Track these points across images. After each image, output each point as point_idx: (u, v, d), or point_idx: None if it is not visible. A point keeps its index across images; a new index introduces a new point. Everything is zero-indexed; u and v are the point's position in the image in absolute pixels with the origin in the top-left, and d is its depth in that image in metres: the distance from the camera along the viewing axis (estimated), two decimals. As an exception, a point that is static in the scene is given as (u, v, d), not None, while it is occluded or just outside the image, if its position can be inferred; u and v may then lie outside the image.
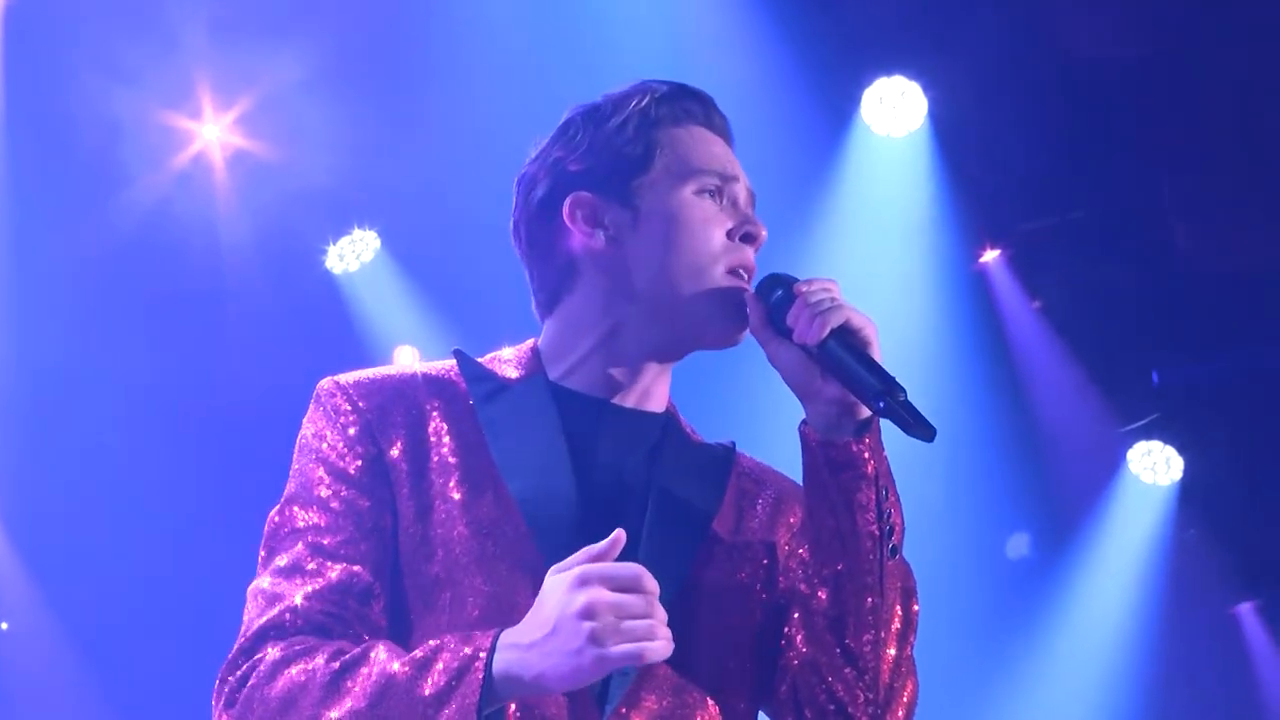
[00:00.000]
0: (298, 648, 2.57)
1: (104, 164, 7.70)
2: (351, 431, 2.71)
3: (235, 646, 2.64)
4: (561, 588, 2.39)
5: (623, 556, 2.43)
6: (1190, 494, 9.28)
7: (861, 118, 8.35)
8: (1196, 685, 9.55)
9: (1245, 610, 9.73)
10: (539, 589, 2.47)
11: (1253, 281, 8.43)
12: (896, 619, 2.77)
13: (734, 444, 2.97)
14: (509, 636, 2.43)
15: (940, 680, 9.55)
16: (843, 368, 2.66)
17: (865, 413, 2.68)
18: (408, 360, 8.20)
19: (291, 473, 2.76)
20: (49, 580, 8.58)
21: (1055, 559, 9.58)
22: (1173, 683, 9.45)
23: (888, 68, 8.25)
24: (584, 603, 2.35)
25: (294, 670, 2.54)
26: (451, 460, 2.70)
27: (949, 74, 8.19)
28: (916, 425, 2.61)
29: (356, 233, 8.41)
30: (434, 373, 2.82)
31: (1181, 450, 9.23)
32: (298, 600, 2.62)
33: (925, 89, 8.26)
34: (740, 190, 2.85)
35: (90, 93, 7.48)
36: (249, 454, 7.56)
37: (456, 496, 2.68)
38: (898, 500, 2.74)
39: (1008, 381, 9.08)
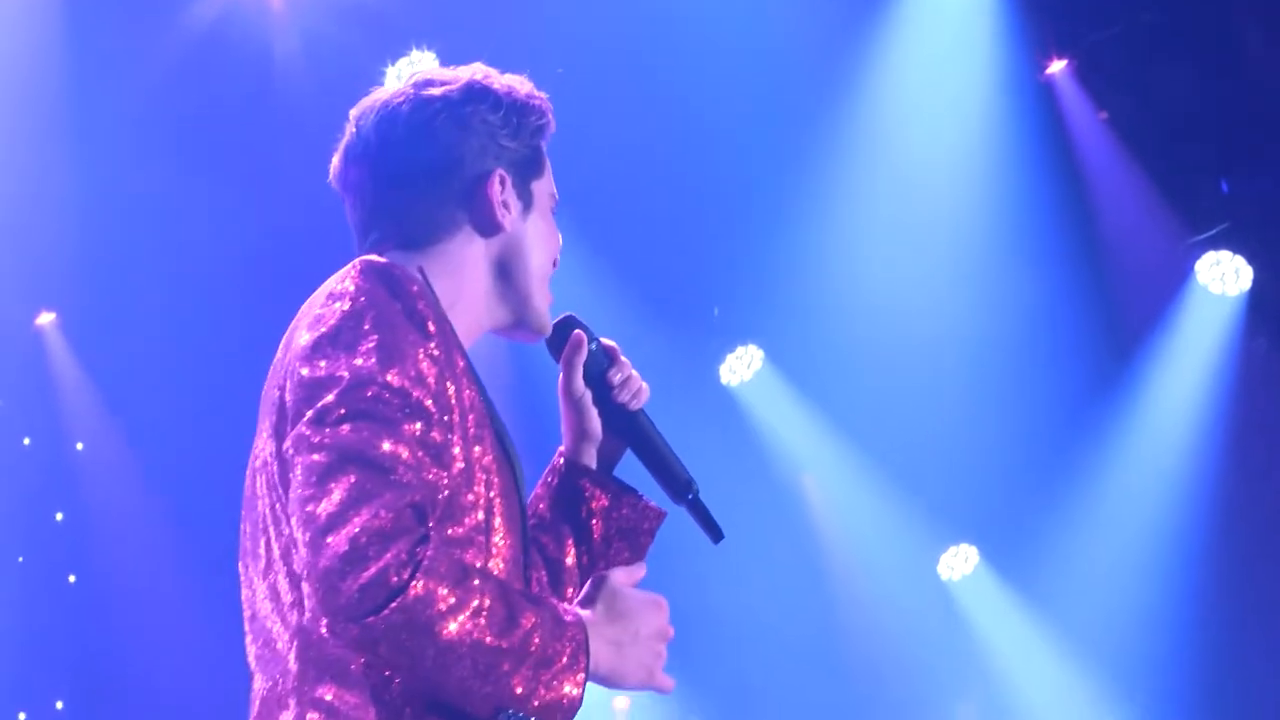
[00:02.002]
0: (460, 589, 2.52)
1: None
2: (436, 352, 2.71)
3: (359, 527, 2.51)
4: (650, 611, 2.74)
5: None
6: (1259, 303, 9.23)
7: (926, -75, 8.23)
8: (1265, 491, 9.56)
9: (1313, 418, 9.71)
10: (521, 529, 2.79)
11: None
12: None
13: None
14: (595, 630, 2.67)
15: (1008, 491, 9.55)
16: (651, 447, 3.04)
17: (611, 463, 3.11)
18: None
19: (371, 339, 2.66)
20: (118, 402, 8.68)
21: (1124, 370, 9.57)
22: (1241, 488, 9.47)
23: None
24: (666, 631, 2.75)
25: (463, 618, 2.52)
26: (469, 393, 2.77)
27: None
28: (709, 525, 3.00)
29: (415, 53, 8.33)
30: (429, 294, 2.83)
31: (1250, 259, 9.16)
32: (418, 518, 2.55)
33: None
34: None
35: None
36: (300, 273, 7.57)
37: (481, 431, 2.77)
38: None
39: (1074, 194, 9.02)
